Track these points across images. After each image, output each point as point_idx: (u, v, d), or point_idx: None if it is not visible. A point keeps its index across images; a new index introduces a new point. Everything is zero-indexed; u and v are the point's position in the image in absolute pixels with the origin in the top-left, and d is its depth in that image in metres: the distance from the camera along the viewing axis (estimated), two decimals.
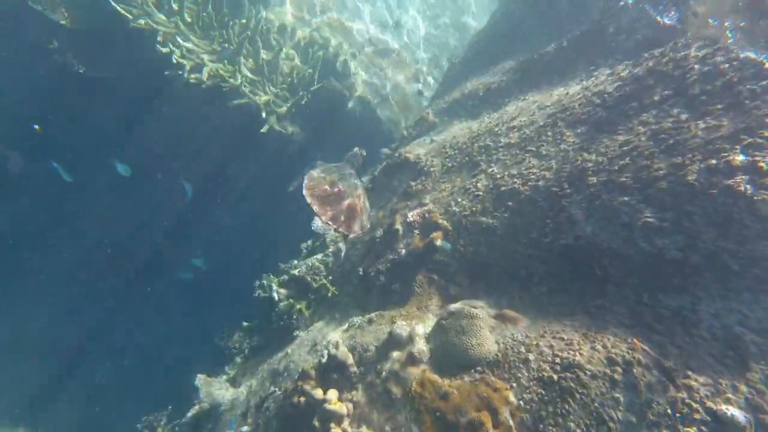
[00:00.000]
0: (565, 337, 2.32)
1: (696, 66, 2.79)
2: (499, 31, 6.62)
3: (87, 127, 6.87)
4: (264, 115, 5.93)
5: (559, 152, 3.39)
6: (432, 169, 4.81)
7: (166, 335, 9.51)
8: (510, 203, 3.45)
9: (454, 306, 3.09)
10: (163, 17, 5.40)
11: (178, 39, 5.20)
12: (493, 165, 4.02)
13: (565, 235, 2.90)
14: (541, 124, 3.83)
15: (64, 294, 8.77)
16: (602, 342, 2.18)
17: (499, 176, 3.79)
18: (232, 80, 5.60)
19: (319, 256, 5.69)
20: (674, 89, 2.87)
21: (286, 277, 5.69)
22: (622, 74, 3.41)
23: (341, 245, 5.31)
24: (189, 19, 5.53)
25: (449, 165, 4.64)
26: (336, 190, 3.82)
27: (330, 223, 3.68)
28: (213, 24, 5.83)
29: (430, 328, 3.23)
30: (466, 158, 4.48)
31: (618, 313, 2.34)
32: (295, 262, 6.18)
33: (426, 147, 5.65)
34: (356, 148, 4.66)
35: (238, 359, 5.25)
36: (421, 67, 10.44)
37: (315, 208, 3.70)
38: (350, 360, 3.25)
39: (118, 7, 5.19)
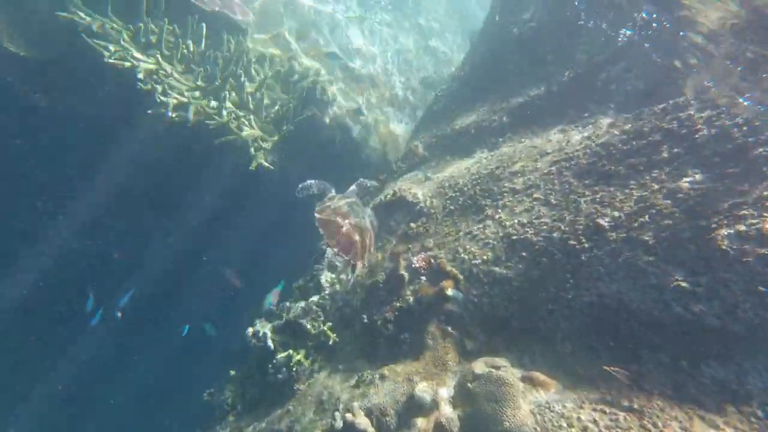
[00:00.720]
0: (607, 410, 2.22)
1: (703, 128, 2.86)
2: (483, 69, 6.73)
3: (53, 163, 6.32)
4: (252, 151, 5.66)
5: (569, 202, 3.37)
6: (433, 211, 4.71)
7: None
8: (524, 254, 3.38)
9: (480, 368, 2.93)
10: (143, 56, 5.08)
11: (160, 75, 4.88)
12: (499, 211, 3.96)
13: (587, 292, 2.83)
14: (546, 171, 3.82)
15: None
16: (651, 420, 2.09)
17: (508, 224, 3.72)
18: (218, 118, 5.32)
19: (315, 298, 5.40)
20: (684, 148, 2.92)
21: (280, 322, 5.35)
22: (625, 127, 3.47)
23: (350, 276, 4.91)
24: (168, 53, 5.21)
25: (451, 207, 4.55)
26: (347, 223, 3.92)
27: (342, 255, 3.84)
28: (194, 58, 5.56)
29: (452, 390, 3.05)
30: (469, 201, 4.41)
31: (657, 381, 2.27)
32: (288, 304, 5.84)
33: (422, 185, 5.56)
34: (362, 179, 4.73)
35: (231, 417, 4.80)
36: (397, 91, 10.43)
37: (327, 240, 3.88)
38: (371, 430, 3.00)
39: (92, 43, 4.82)
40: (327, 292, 5.44)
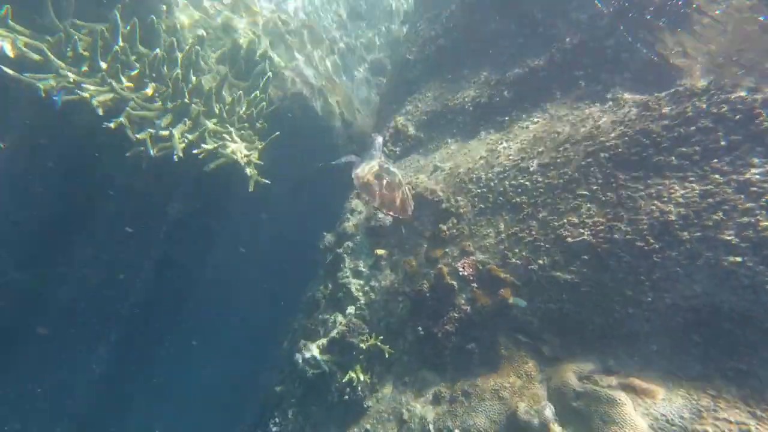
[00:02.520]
0: (733, 419, 2.29)
1: (762, 111, 2.70)
2: (460, 29, 6.02)
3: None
4: (248, 171, 4.87)
5: (621, 198, 3.22)
6: (462, 210, 4.40)
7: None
8: (586, 257, 3.26)
9: (572, 379, 2.91)
10: (91, 81, 3.93)
11: (126, 105, 3.85)
12: (540, 209, 3.74)
13: (668, 294, 2.80)
14: (583, 163, 3.58)
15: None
16: None
17: (557, 224, 3.54)
18: (205, 144, 4.42)
19: (352, 310, 5.14)
20: (743, 135, 2.78)
21: (324, 341, 5.09)
22: (663, 111, 3.24)
23: (403, 231, 4.68)
24: (104, 65, 4.00)
25: (481, 206, 4.27)
26: (384, 182, 4.28)
27: (391, 213, 4.23)
28: (146, 71, 4.42)
29: (548, 405, 3.04)
30: (501, 198, 4.13)
31: (766, 379, 2.34)
32: (321, 317, 5.54)
33: (432, 176, 5.17)
34: (374, 134, 5.01)
35: None
36: (335, 35, 9.32)
37: (374, 205, 4.23)
38: None
39: (24, 78, 3.62)
40: (363, 301, 5.18)
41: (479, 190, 4.38)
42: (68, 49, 3.70)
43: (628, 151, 3.31)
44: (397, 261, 4.92)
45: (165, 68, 4.39)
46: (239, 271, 7.31)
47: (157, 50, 4.27)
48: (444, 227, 4.47)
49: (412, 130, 6.01)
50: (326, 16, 9.41)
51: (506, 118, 4.85)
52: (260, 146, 5.21)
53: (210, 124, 4.58)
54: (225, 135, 4.67)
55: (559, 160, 3.79)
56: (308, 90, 7.29)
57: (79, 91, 3.55)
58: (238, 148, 4.75)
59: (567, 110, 4.23)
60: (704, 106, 2.99)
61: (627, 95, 3.81)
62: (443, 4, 6.58)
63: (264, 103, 5.42)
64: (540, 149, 4.04)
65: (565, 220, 3.48)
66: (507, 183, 4.13)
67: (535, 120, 4.49)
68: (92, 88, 3.66)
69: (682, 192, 2.91)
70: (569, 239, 3.38)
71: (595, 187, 3.42)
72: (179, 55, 4.51)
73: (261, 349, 6.87)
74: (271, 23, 7.45)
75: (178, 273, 6.90)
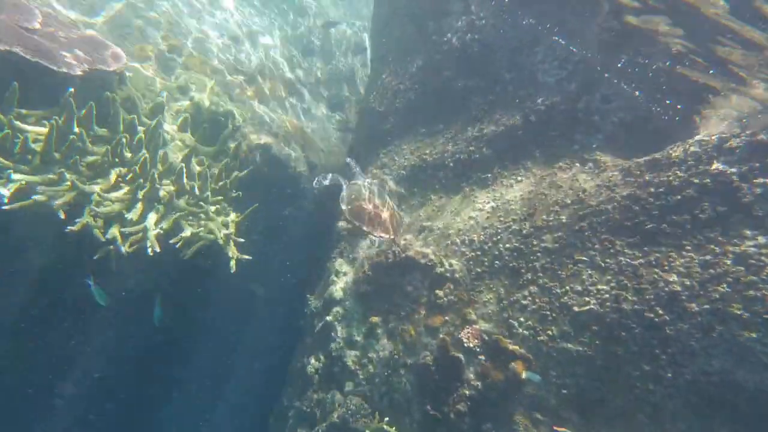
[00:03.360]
0: None
1: (744, 186, 2.80)
2: (427, 85, 6.05)
3: None
4: (230, 253, 4.41)
5: (622, 266, 3.19)
6: (458, 275, 4.23)
7: None
8: (595, 327, 3.16)
9: None
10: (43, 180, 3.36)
11: (90, 204, 3.32)
12: (540, 274, 3.65)
13: (687, 369, 2.75)
14: (576, 228, 3.56)
15: None
16: None
17: (560, 291, 3.45)
18: (184, 233, 3.93)
19: (351, 386, 4.71)
20: (730, 206, 2.86)
21: (323, 425, 4.60)
22: (646, 178, 3.31)
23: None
24: (58, 156, 3.46)
25: (478, 270, 4.12)
26: (373, 206, 4.43)
27: (383, 235, 4.36)
28: (108, 157, 3.92)
29: None
30: (497, 262, 4.02)
31: None
32: (316, 396, 5.04)
33: (421, 237, 5.00)
34: (349, 159, 5.16)
35: None
36: (285, 72, 9.13)
37: (365, 228, 4.32)
38: None
39: None
40: (361, 376, 4.78)
41: (473, 254, 4.25)
42: (16, 145, 3.16)
43: (621, 217, 3.33)
44: (394, 329, 4.62)
45: (127, 151, 3.92)
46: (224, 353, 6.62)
47: (120, 135, 3.80)
48: (441, 293, 4.27)
49: (392, 184, 5.85)
50: (279, 57, 9.14)
51: (488, 175, 4.82)
52: (236, 218, 4.78)
53: (182, 203, 4.11)
54: (201, 214, 4.21)
55: (552, 224, 3.76)
56: (272, 139, 6.98)
57: (36, 196, 3.02)
58: (215, 227, 4.31)
59: (549, 170, 4.27)
60: (683, 175, 3.07)
61: (605, 157, 3.90)
62: (401, 49, 6.62)
63: (237, 172, 5.03)
64: (530, 212, 4.00)
65: (568, 287, 3.41)
66: (502, 246, 4.03)
67: (519, 179, 4.49)
68: (50, 189, 3.13)
69: (682, 261, 2.92)
70: (575, 308, 3.29)
71: (593, 253, 3.39)
72: (141, 134, 4.06)
73: None
74: (227, 73, 7.11)
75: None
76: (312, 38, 10.44)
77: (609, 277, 3.21)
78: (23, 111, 3.40)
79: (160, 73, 6.03)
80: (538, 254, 3.73)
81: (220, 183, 4.85)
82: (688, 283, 2.83)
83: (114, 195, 3.55)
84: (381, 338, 4.67)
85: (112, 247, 3.36)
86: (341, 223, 6.02)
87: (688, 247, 2.94)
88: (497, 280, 3.96)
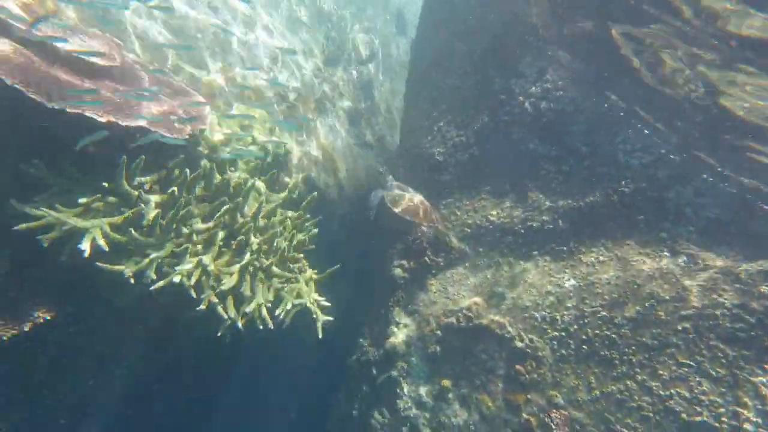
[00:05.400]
0: None
1: None
2: (495, 145, 5.89)
3: None
4: (319, 320, 4.11)
5: (739, 380, 3.03)
6: (541, 354, 4.06)
7: None
8: None
9: None
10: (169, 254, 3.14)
11: (208, 277, 3.12)
12: (637, 369, 3.48)
13: None
14: (678, 328, 3.39)
15: None
16: None
17: (663, 393, 3.27)
18: (286, 305, 3.70)
19: None
20: None
21: None
22: (761, 289, 3.15)
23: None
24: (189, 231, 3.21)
25: (563, 352, 3.95)
26: (419, 202, 5.09)
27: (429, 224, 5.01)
28: (217, 227, 3.58)
29: None
30: (584, 347, 3.84)
31: None
32: None
33: (494, 302, 4.82)
34: (380, 168, 6.13)
35: None
36: (326, 103, 8.86)
37: (420, 221, 4.97)
38: None
39: (106, 267, 2.75)
40: None
41: (556, 333, 4.07)
42: (143, 220, 2.97)
43: (732, 326, 3.17)
44: (467, 396, 4.41)
45: (227, 216, 3.73)
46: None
47: (225, 201, 3.61)
48: (522, 369, 4.09)
49: (455, 241, 5.68)
50: (309, 72, 8.80)
51: (564, 248, 4.66)
52: (315, 276, 4.58)
53: (277, 270, 3.91)
54: (292, 279, 4.02)
55: (648, 318, 3.58)
56: (312, 166, 6.79)
57: (175, 278, 2.83)
58: (303, 289, 4.11)
59: (635, 255, 4.11)
60: None
61: (701, 253, 3.75)
62: (460, 98, 6.43)
63: (313, 228, 4.82)
64: (621, 300, 3.83)
65: (673, 391, 3.24)
66: (590, 331, 3.86)
67: (601, 258, 4.33)
68: (185, 267, 2.94)
69: None
70: (684, 415, 3.12)
71: (700, 359, 3.22)
72: (240, 199, 3.87)
73: None
74: (275, 104, 6.87)
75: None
76: (332, 46, 10.04)
77: (723, 390, 3.04)
78: (143, 179, 3.21)
79: (228, 113, 5.81)
80: (633, 347, 3.55)
81: (298, 238, 4.66)
82: None
83: (228, 269, 3.35)
84: (452, 403, 4.47)
85: (229, 322, 3.16)
86: (397, 271, 5.83)
87: None
88: (585, 367, 3.78)
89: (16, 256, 2.84)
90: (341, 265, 4.55)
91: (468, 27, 6.70)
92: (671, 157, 4.16)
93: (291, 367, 6.08)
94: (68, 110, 2.59)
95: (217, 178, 4.06)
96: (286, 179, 5.57)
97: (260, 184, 4.97)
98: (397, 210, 4.82)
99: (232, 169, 4.71)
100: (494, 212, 5.47)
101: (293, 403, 6.37)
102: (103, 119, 2.85)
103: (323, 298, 4.41)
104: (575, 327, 3.95)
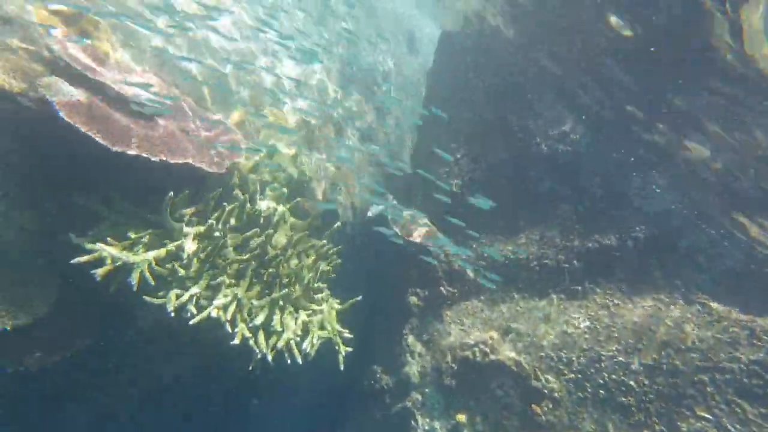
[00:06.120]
0: None
1: None
2: (510, 182, 6.00)
3: None
4: (342, 351, 4.13)
5: None
6: (557, 395, 4.08)
7: None
8: None
9: None
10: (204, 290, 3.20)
11: (242, 312, 3.18)
12: (655, 419, 3.50)
13: None
14: (696, 379, 3.44)
15: None
16: None
17: None
18: (312, 338, 3.73)
19: None
20: None
21: None
22: None
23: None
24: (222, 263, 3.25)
25: (579, 395, 3.97)
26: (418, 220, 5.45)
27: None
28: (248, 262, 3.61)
29: None
30: (601, 392, 3.87)
31: None
32: None
33: (506, 338, 4.85)
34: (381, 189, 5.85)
35: None
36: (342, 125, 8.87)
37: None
38: None
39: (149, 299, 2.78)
40: None
41: (573, 375, 4.09)
42: (183, 252, 3.04)
43: (749, 382, 3.22)
44: None
45: (257, 248, 3.80)
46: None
47: (257, 232, 3.69)
48: (539, 410, 4.10)
49: (470, 273, 5.74)
50: (331, 92, 8.84)
51: (579, 288, 4.72)
52: (338, 307, 4.61)
53: (303, 302, 3.97)
54: (317, 312, 4.07)
55: (665, 367, 3.63)
56: (330, 190, 6.85)
57: (213, 313, 2.88)
58: (326, 320, 4.15)
59: (650, 301, 4.17)
60: None
61: (715, 304, 3.81)
62: (476, 133, 6.51)
63: (336, 258, 4.87)
64: (637, 345, 3.88)
65: None
66: (606, 376, 3.89)
67: (615, 302, 4.39)
68: (221, 302, 2.99)
69: None
70: None
71: (718, 413, 3.25)
72: (270, 230, 3.95)
73: None
74: (298, 129, 6.92)
75: None
76: (350, 68, 10.10)
77: None
78: (184, 211, 3.30)
79: (257, 142, 5.90)
80: (651, 396, 3.58)
81: (323, 268, 4.71)
82: None
83: (259, 302, 3.41)
84: None
85: (259, 356, 3.20)
86: (412, 299, 5.88)
87: None
88: (602, 412, 3.80)
89: (64, 287, 2.90)
90: (360, 297, 4.59)
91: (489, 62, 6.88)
92: (684, 206, 4.27)
93: (304, 392, 6.02)
94: (128, 152, 2.70)
95: (248, 207, 4.15)
96: (307, 204, 5.63)
97: (284, 210, 5.08)
98: (400, 230, 5.04)
99: (261, 196, 4.81)
100: (509, 248, 5.55)
101: (304, 426, 6.29)
102: (155, 158, 2.96)
103: (346, 330, 4.45)
104: (592, 371, 3.98)
